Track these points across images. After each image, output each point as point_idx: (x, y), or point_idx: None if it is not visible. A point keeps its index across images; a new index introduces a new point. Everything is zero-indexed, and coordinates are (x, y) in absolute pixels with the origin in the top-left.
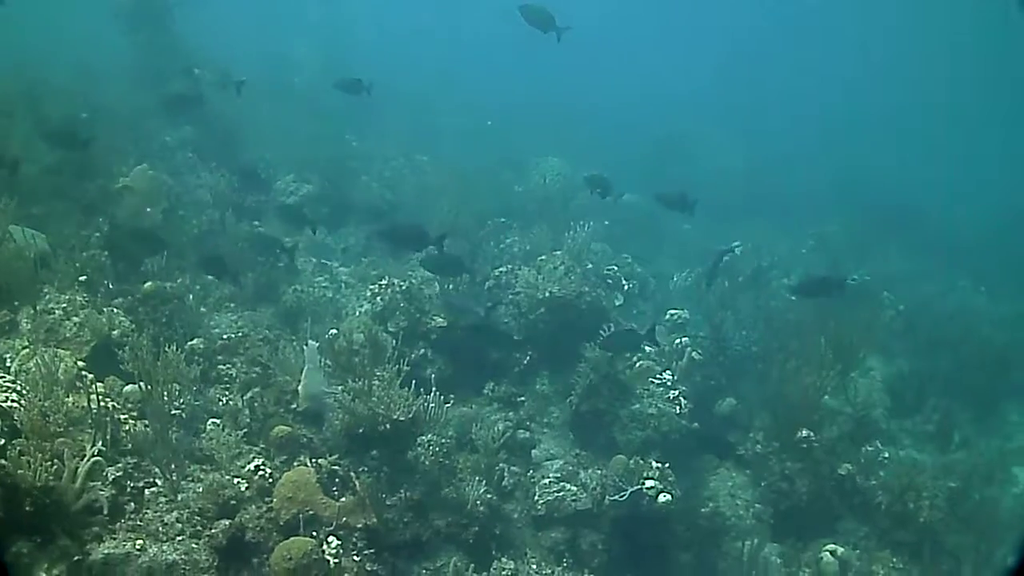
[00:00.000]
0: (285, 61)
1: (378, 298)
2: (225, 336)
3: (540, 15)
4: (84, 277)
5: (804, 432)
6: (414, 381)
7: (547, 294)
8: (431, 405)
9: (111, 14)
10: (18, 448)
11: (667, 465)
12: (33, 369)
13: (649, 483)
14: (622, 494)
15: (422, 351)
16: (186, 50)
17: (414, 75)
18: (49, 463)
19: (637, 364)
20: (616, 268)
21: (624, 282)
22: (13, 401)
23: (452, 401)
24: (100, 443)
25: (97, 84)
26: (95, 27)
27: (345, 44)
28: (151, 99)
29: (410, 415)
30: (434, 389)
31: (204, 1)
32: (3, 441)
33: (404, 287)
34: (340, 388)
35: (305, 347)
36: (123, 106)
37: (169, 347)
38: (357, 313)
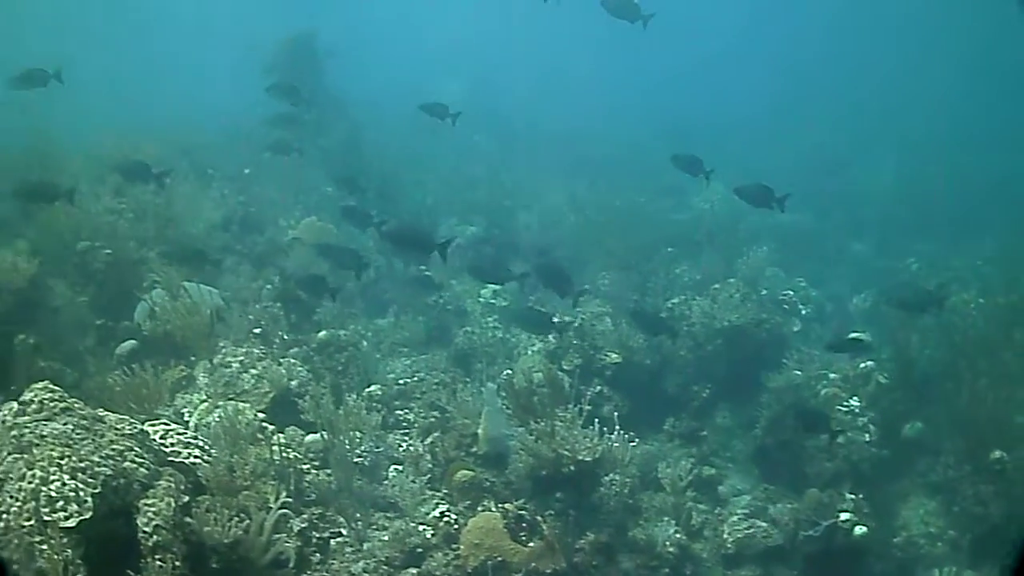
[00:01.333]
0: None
1: (550, 336)
2: (401, 381)
3: (623, 5)
4: (259, 329)
5: (997, 453)
6: (596, 420)
7: (725, 323)
8: (615, 444)
9: (263, 69)
10: (204, 504)
11: (860, 496)
12: (214, 423)
13: (844, 516)
14: (816, 529)
15: (598, 388)
16: (339, 99)
17: (563, 110)
18: (236, 518)
19: (822, 392)
20: (792, 293)
21: (801, 307)
22: (196, 457)
23: (633, 439)
24: (284, 494)
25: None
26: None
27: (494, 85)
28: (310, 151)
29: (596, 456)
30: (617, 428)
31: (354, 50)
32: (188, 498)
33: (576, 324)
34: (521, 430)
35: (484, 389)
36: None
37: (349, 395)
38: (529, 353)
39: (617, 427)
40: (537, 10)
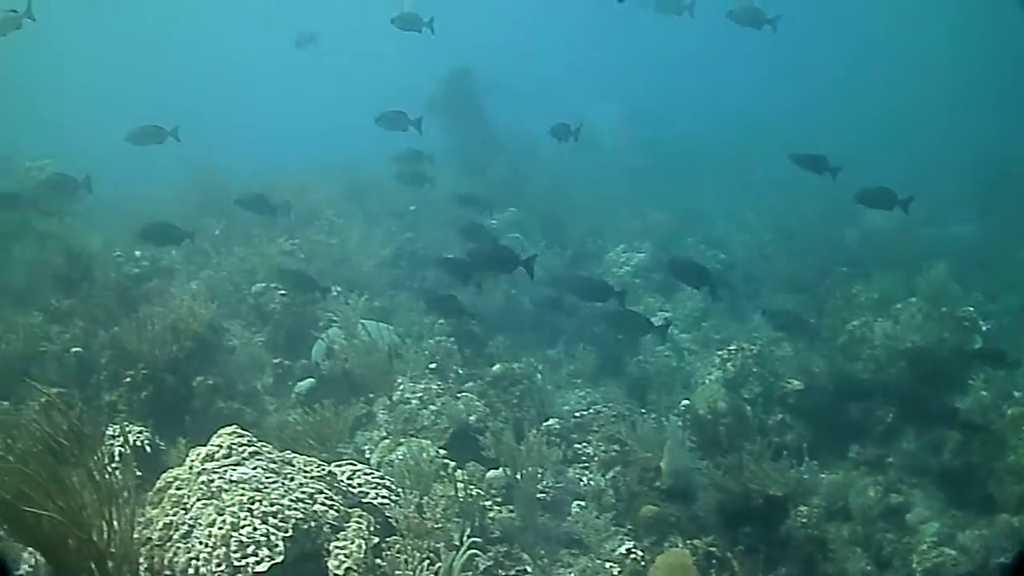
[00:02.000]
0: (590, 129)
1: (728, 364)
2: (577, 414)
3: (749, 13)
4: (434, 364)
5: None
6: (784, 452)
7: (907, 344)
8: (804, 476)
9: (425, 107)
10: (395, 546)
11: None
12: (397, 461)
13: None
14: (1008, 555)
15: (780, 417)
16: (499, 132)
17: (724, 132)
18: (427, 560)
19: (1009, 412)
20: (972, 309)
21: (981, 323)
22: (384, 498)
23: (819, 468)
24: (469, 532)
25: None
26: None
27: (650, 110)
28: (476, 186)
29: (785, 489)
30: (807, 459)
31: (512, 82)
32: (378, 540)
33: (755, 351)
34: (706, 463)
35: (666, 422)
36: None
37: (530, 429)
38: (707, 381)
39: (807, 458)
40: (688, 32)
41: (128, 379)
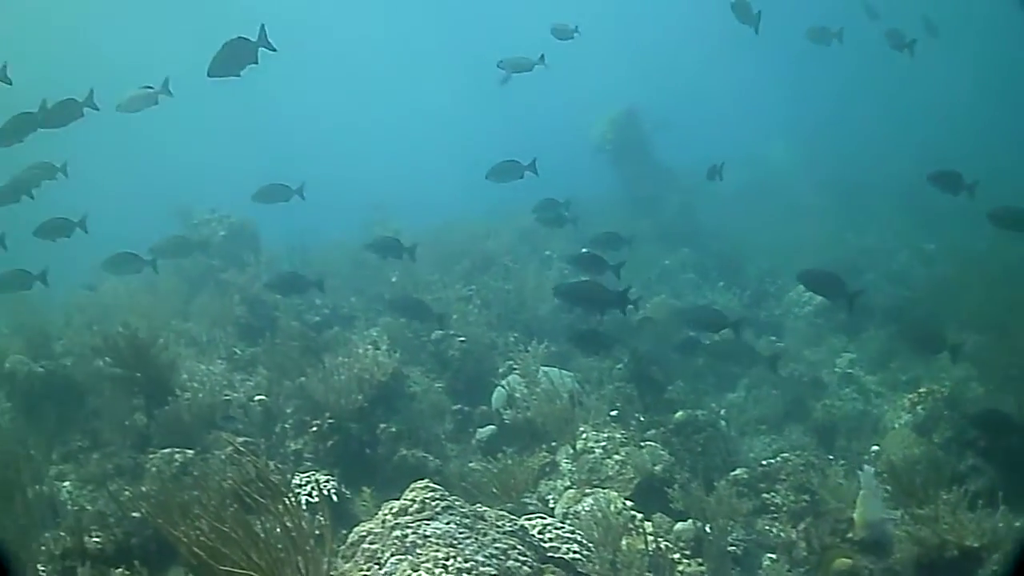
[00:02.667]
0: (762, 164)
1: (919, 407)
2: (764, 462)
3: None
4: (615, 412)
5: None
6: (979, 501)
7: None
8: (999, 525)
9: (594, 148)
10: None
11: None
12: (584, 512)
13: None
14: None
15: (970, 462)
16: (670, 171)
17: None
18: None
19: None
20: None
21: None
22: (576, 553)
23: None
24: None
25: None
26: (581, 162)
27: (826, 144)
28: (646, 227)
29: (983, 540)
30: (1001, 507)
31: (682, 119)
32: None
33: (945, 393)
34: (900, 513)
35: (860, 471)
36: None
37: (718, 480)
38: (896, 426)
39: (1001, 506)
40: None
41: (314, 428)
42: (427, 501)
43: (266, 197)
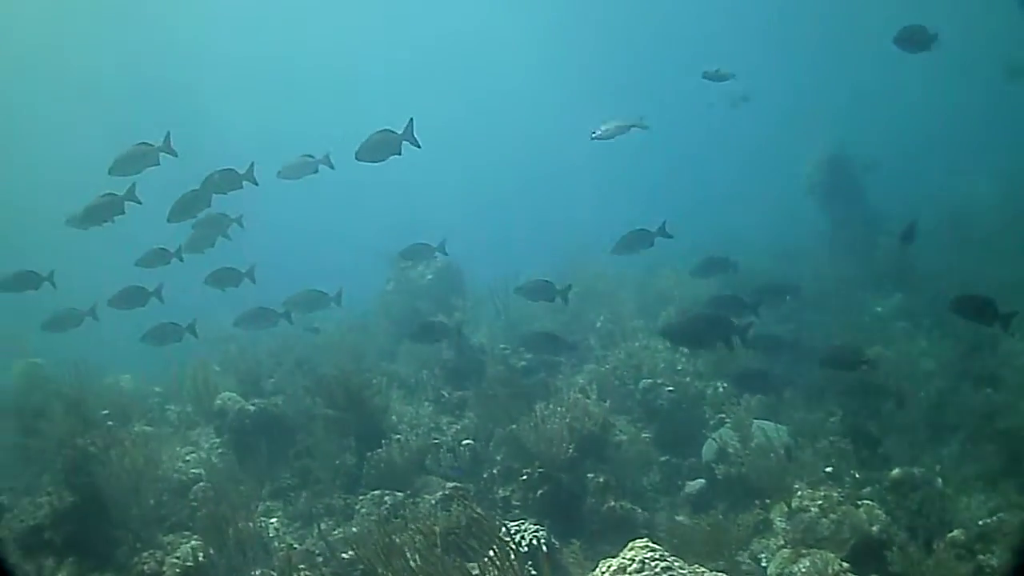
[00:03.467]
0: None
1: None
2: (980, 522)
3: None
4: (829, 468)
5: None
6: None
7: None
8: None
9: (805, 190)
10: None
11: None
12: (800, 574)
13: None
14: None
15: None
16: (880, 214)
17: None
18: None
19: None
20: None
21: None
22: None
23: None
24: None
25: (794, 261)
26: (790, 204)
27: None
28: (856, 270)
29: None
30: None
31: (894, 161)
32: None
33: None
34: None
35: None
36: (827, 280)
37: (934, 540)
38: None
39: None
40: None
41: (525, 477)
42: (647, 561)
43: (409, 255)
